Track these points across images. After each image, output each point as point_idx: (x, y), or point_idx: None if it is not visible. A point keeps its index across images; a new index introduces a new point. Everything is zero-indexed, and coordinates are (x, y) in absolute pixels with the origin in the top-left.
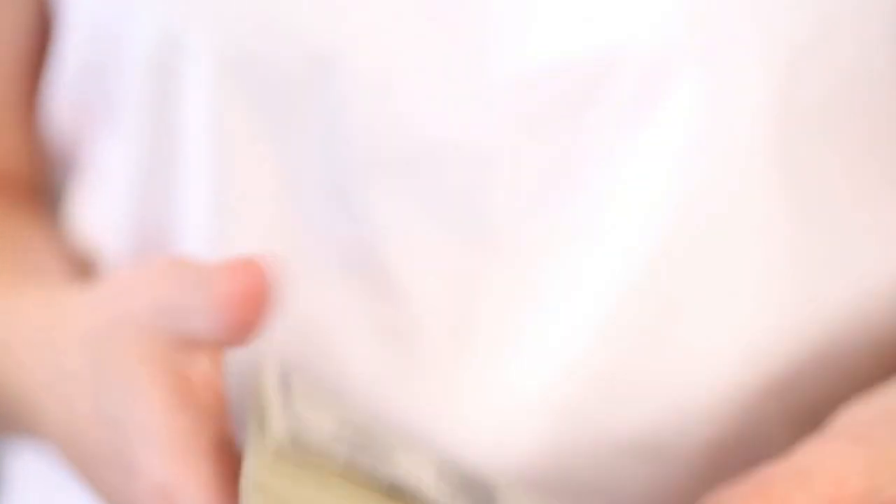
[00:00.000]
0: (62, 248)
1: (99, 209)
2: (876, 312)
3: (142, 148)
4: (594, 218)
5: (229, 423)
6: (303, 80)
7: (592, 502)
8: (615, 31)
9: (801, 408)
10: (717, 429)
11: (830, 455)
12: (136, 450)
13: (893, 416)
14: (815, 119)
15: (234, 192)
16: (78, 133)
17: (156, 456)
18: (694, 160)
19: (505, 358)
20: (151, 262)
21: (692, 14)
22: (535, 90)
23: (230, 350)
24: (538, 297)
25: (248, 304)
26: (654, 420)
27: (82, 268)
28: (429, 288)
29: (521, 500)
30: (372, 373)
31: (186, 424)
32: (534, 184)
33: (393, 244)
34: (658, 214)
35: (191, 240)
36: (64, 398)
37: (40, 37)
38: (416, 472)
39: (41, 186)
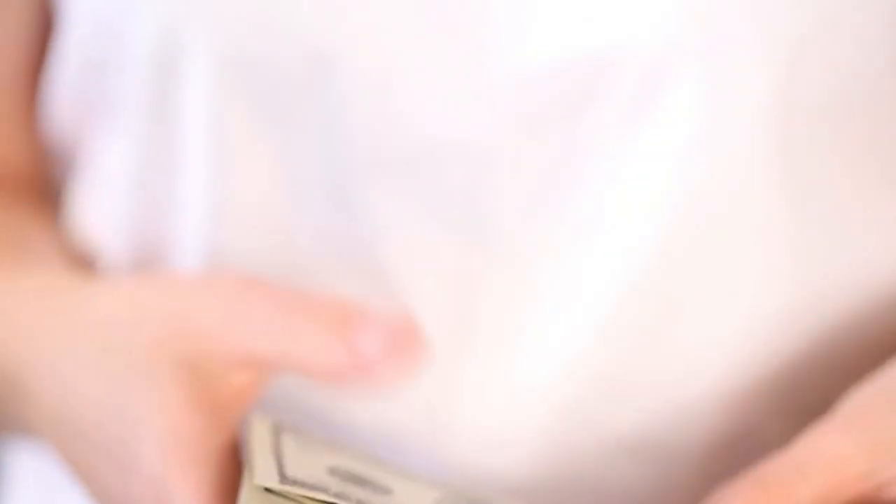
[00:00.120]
0: (62, 242)
1: (98, 207)
2: (876, 312)
3: (141, 147)
4: (594, 218)
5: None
6: (303, 80)
7: (592, 501)
8: (615, 31)
9: (801, 407)
10: (716, 428)
11: (828, 443)
12: (138, 441)
13: (891, 397)
14: (816, 119)
15: (234, 191)
16: (78, 131)
17: (156, 451)
18: (694, 160)
19: (505, 358)
20: (219, 275)
21: (692, 14)
22: (536, 90)
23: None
24: (538, 297)
25: (386, 368)
26: (654, 420)
27: (81, 263)
28: (429, 288)
29: None
30: None
31: (196, 427)
32: (534, 184)
33: (393, 244)
34: (658, 214)
35: (190, 239)
36: (64, 376)
37: (42, 34)
38: (413, 502)
39: (44, 184)
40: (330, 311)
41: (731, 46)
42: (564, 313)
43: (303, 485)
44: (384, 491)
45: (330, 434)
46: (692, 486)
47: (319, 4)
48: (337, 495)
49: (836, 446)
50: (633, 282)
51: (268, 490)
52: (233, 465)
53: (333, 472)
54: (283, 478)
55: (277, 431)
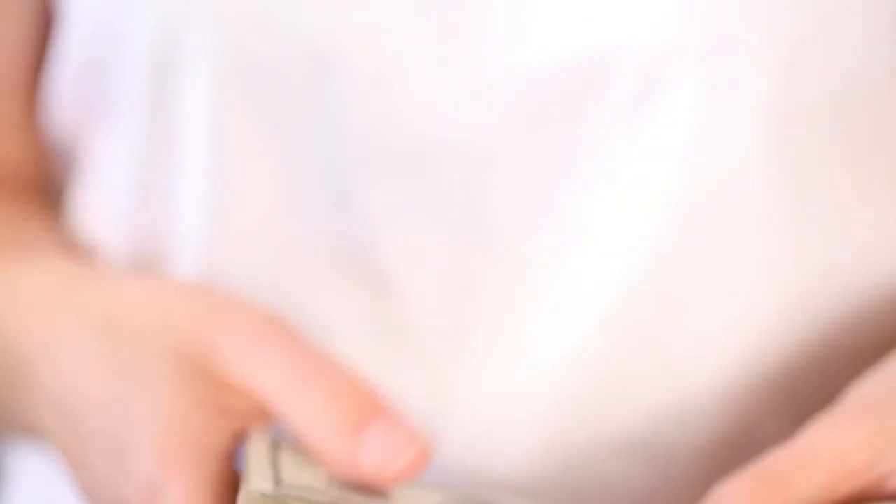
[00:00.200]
0: (63, 241)
1: (98, 207)
2: (876, 311)
3: (141, 146)
4: (594, 217)
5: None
6: (303, 80)
7: (592, 501)
8: (615, 31)
9: (801, 406)
10: (716, 427)
11: (831, 434)
12: (132, 437)
13: (893, 388)
14: (816, 118)
15: (233, 190)
16: (78, 130)
17: (150, 448)
18: (694, 160)
19: (504, 357)
20: (270, 315)
21: (692, 14)
22: (535, 89)
23: None
24: (538, 297)
25: (378, 476)
26: (654, 419)
27: (81, 262)
28: (428, 287)
29: None
30: (371, 372)
31: (197, 425)
32: (534, 183)
33: (392, 243)
34: (658, 214)
35: (189, 238)
36: (64, 370)
37: (42, 34)
38: None
39: (44, 183)
40: (352, 392)
41: (731, 46)
42: (564, 313)
43: (300, 489)
44: (383, 498)
45: None
46: (691, 485)
47: (319, 4)
48: (334, 500)
49: (838, 438)
50: (632, 281)
51: (264, 496)
52: (229, 472)
53: (331, 482)
54: (279, 483)
55: (276, 446)
